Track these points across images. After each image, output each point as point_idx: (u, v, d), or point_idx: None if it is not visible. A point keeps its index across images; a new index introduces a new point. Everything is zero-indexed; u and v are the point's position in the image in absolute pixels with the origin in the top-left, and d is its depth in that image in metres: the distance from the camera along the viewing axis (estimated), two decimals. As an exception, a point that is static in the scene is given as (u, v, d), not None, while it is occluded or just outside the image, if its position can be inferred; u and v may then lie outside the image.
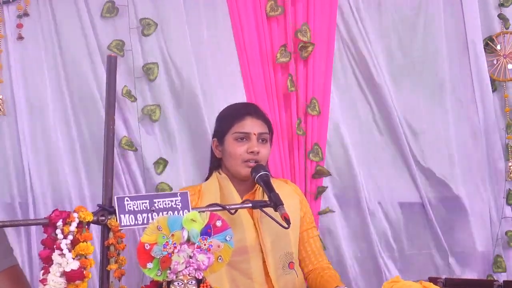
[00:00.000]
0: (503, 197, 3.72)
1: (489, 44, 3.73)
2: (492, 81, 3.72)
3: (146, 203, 2.04)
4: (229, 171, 2.73)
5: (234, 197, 2.68)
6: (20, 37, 3.32)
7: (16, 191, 3.30)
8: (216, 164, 2.80)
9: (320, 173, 3.60)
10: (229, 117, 2.75)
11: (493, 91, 3.73)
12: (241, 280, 2.63)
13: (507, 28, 3.72)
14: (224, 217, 2.05)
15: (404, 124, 3.70)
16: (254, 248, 2.64)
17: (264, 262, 2.65)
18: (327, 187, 3.63)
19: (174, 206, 2.05)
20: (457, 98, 3.76)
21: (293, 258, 2.71)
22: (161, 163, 3.44)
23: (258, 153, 2.65)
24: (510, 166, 3.71)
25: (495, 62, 3.75)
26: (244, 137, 2.68)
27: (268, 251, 2.64)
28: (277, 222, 2.28)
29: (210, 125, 3.39)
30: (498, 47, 3.72)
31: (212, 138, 2.81)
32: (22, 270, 2.73)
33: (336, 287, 2.55)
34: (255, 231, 2.66)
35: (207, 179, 2.83)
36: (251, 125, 2.69)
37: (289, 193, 2.73)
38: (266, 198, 2.44)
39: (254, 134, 2.68)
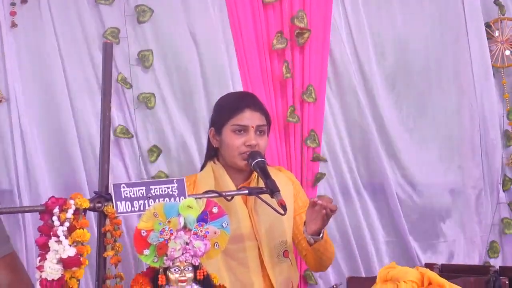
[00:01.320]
0: (499, 183, 3.74)
1: (486, 30, 3.72)
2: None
3: (142, 190, 2.04)
4: (226, 161, 2.72)
5: (229, 186, 2.68)
6: (14, 25, 3.31)
7: (12, 177, 3.30)
8: (212, 153, 2.79)
9: (317, 159, 3.60)
10: (228, 108, 2.73)
11: (491, 77, 3.75)
12: (238, 269, 2.64)
13: (503, 14, 3.71)
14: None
15: (400, 110, 3.72)
16: (249, 237, 2.65)
17: (259, 251, 2.66)
18: (325, 174, 3.63)
19: (171, 192, 2.05)
20: (458, 85, 3.76)
21: (288, 246, 2.72)
22: (155, 151, 3.44)
23: (256, 146, 2.65)
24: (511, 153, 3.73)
25: (492, 48, 3.74)
26: (242, 129, 2.66)
27: (262, 240, 2.65)
28: (274, 209, 2.28)
29: (206, 112, 3.39)
30: (496, 33, 3.72)
31: (210, 127, 2.80)
32: (19, 258, 2.73)
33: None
34: (250, 221, 2.66)
35: (202, 168, 2.83)
36: (249, 118, 2.67)
37: (283, 181, 2.72)
38: (261, 186, 2.44)
39: (252, 127, 2.66)
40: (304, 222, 2.57)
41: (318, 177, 3.61)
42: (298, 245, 2.78)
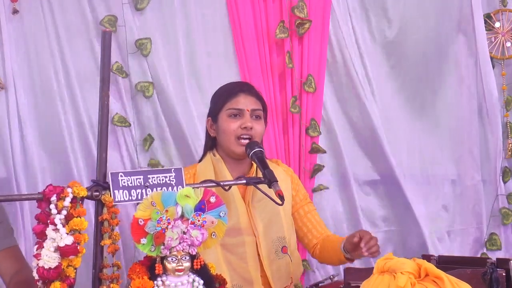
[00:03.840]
0: (499, 175, 3.74)
1: (487, 21, 3.71)
2: (490, 58, 3.72)
3: (140, 178, 2.04)
4: (223, 150, 2.72)
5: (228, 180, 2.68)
6: (15, 11, 3.29)
7: (10, 165, 3.29)
8: (210, 144, 2.80)
9: (315, 150, 3.60)
10: (223, 95, 2.75)
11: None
12: (237, 264, 2.64)
13: (504, 6, 3.70)
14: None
15: (399, 101, 3.72)
16: (248, 232, 2.65)
17: (257, 246, 2.66)
18: (323, 166, 3.62)
19: (168, 182, 2.05)
20: (458, 75, 3.76)
21: (286, 242, 2.71)
22: (148, 140, 3.44)
23: (251, 128, 2.65)
24: (509, 144, 3.72)
25: (493, 39, 3.74)
26: (238, 113, 2.68)
27: (260, 236, 2.66)
28: (271, 199, 2.28)
29: (203, 101, 3.39)
30: (497, 24, 3.71)
31: (207, 117, 2.81)
32: (21, 252, 2.75)
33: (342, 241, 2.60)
34: (248, 215, 2.67)
35: (201, 160, 2.82)
36: (244, 102, 2.69)
37: (282, 175, 2.72)
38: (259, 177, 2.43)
39: (247, 110, 2.68)
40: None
41: (316, 169, 3.61)
42: (305, 237, 2.80)
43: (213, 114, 2.75)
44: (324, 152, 3.62)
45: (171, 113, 3.46)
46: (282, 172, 2.77)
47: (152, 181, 2.04)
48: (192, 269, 1.96)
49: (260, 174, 2.51)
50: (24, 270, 2.58)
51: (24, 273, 2.56)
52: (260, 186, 2.31)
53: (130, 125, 3.41)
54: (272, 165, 2.65)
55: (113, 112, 3.37)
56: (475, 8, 3.70)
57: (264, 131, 2.76)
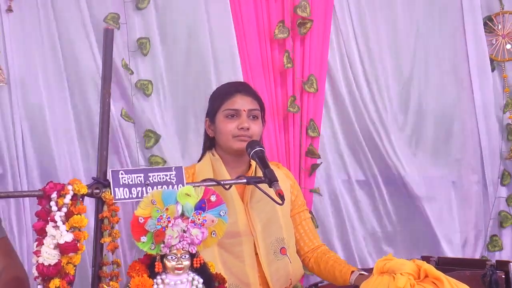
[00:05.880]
0: (498, 178, 3.74)
1: (488, 23, 3.72)
2: (491, 61, 3.73)
3: (140, 176, 2.04)
4: (222, 148, 2.72)
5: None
6: (10, 10, 3.28)
7: (9, 162, 3.29)
8: (209, 143, 2.80)
9: (311, 153, 3.59)
10: (219, 96, 2.76)
11: (492, 71, 3.74)
12: (233, 263, 2.63)
13: (502, 8, 3.71)
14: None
15: (401, 102, 3.72)
16: (245, 233, 2.65)
17: (255, 246, 2.66)
18: (321, 163, 3.62)
19: (169, 180, 2.05)
20: (457, 78, 3.76)
21: (285, 243, 2.71)
22: (152, 137, 3.43)
23: (248, 129, 2.65)
24: (510, 147, 3.73)
25: (494, 42, 3.75)
26: (234, 114, 2.68)
27: (258, 236, 2.65)
28: (271, 198, 2.28)
29: (204, 101, 3.38)
30: (498, 26, 3.72)
31: (205, 118, 2.81)
32: (10, 242, 2.71)
33: (352, 272, 2.57)
34: (246, 216, 2.66)
35: (200, 159, 2.83)
36: (240, 102, 2.69)
37: (281, 178, 2.71)
38: (259, 176, 2.43)
39: (244, 110, 2.68)
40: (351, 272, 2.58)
41: (314, 167, 3.60)
42: (296, 244, 2.79)
43: (211, 114, 2.76)
44: (319, 157, 3.61)
45: (171, 111, 3.46)
46: (282, 175, 2.76)
47: (152, 179, 2.04)
48: (192, 268, 1.96)
49: (259, 174, 2.51)
50: (13, 266, 2.54)
51: (13, 270, 2.53)
52: (260, 185, 2.31)
53: (134, 122, 3.41)
54: (272, 167, 2.66)
55: (120, 107, 3.37)
56: (473, 10, 3.70)
57: (262, 131, 2.76)
